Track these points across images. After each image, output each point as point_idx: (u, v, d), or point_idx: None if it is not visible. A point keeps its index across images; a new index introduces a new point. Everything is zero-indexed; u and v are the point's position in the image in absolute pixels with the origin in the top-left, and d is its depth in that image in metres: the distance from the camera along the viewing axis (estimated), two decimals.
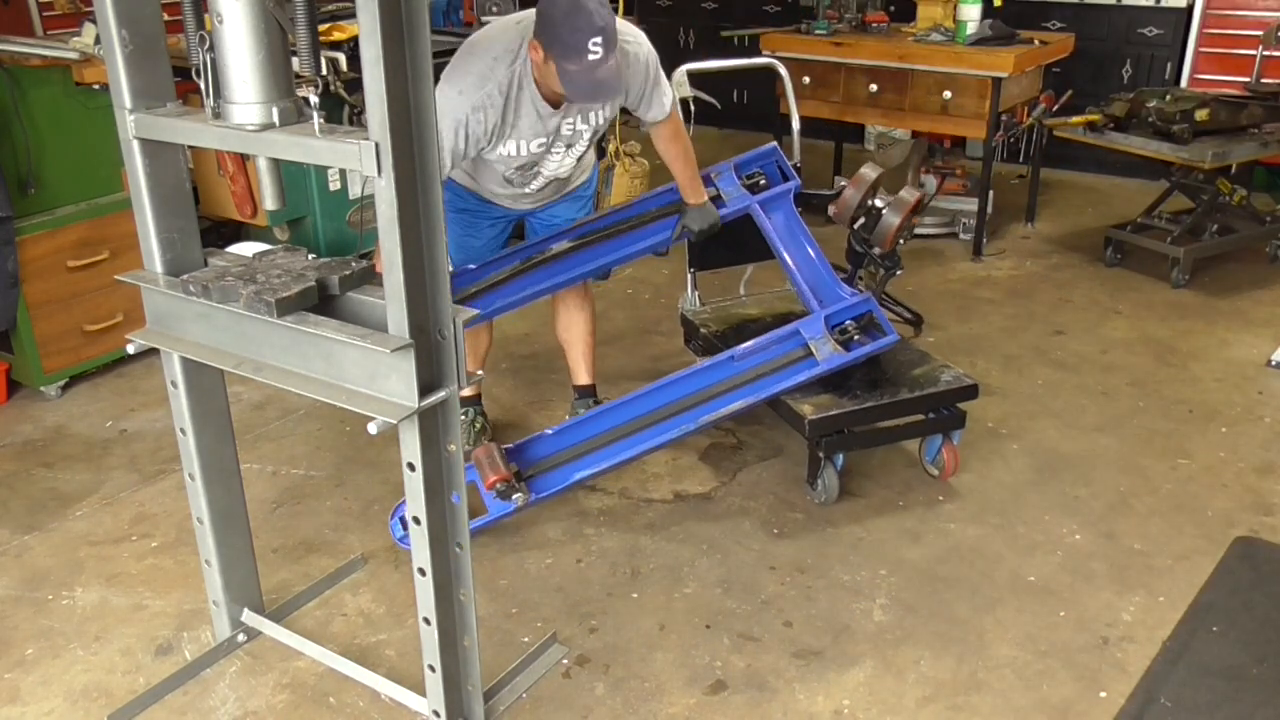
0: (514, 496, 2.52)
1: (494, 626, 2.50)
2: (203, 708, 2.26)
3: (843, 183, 3.33)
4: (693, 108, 3.54)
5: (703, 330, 3.33)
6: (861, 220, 3.11)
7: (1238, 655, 1.71)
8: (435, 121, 1.67)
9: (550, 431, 2.54)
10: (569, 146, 2.74)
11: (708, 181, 3.07)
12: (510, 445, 2.62)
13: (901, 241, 3.10)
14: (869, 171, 3.10)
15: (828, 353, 2.83)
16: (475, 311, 1.91)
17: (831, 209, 3.11)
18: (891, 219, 3.05)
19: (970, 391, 3.01)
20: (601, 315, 3.62)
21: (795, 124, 3.78)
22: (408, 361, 1.75)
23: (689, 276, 3.49)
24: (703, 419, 2.71)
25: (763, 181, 3.06)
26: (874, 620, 2.52)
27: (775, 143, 3.25)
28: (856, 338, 2.91)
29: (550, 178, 2.86)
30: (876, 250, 3.11)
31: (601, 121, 2.74)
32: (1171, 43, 5.76)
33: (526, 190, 2.88)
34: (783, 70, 3.68)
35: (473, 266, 2.88)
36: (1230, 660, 1.70)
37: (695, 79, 3.76)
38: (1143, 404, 3.55)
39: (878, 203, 3.11)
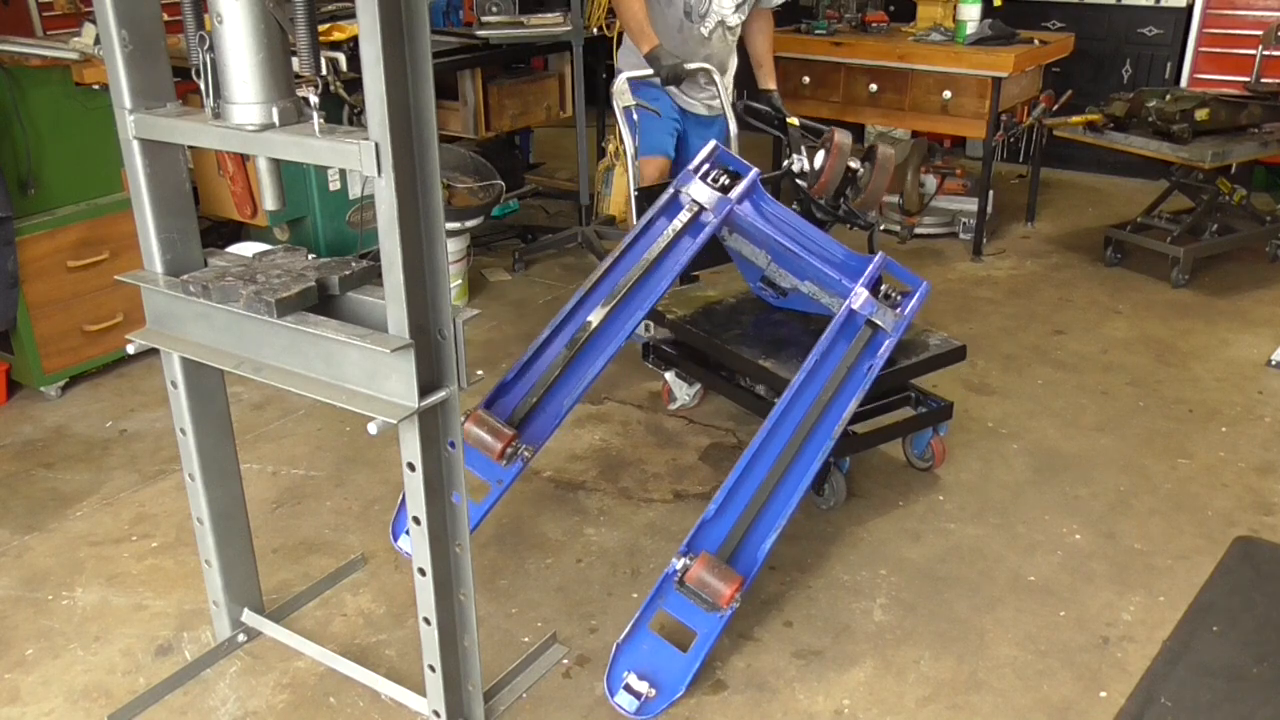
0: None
1: (494, 626, 2.50)
2: (203, 708, 2.26)
3: (788, 162, 3.28)
4: (635, 116, 3.56)
5: (669, 317, 3.26)
6: (838, 186, 3.08)
7: (1238, 655, 1.71)
8: None
9: (710, 515, 2.38)
10: None
11: (676, 201, 2.86)
12: (684, 546, 2.36)
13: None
14: (844, 138, 3.06)
15: (891, 320, 2.72)
16: (476, 312, 1.91)
17: (809, 185, 3.10)
18: (881, 180, 3.01)
19: (959, 353, 3.01)
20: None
21: (733, 128, 3.74)
22: (408, 361, 1.75)
23: None
24: (835, 433, 2.57)
25: (726, 180, 2.86)
26: (874, 620, 2.52)
27: (714, 141, 3.05)
28: (895, 295, 2.81)
29: (722, 16, 3.66)
30: (870, 213, 3.09)
31: None
32: (1171, 42, 5.76)
33: (702, 30, 3.65)
34: (717, 76, 3.73)
35: (510, 376, 2.67)
36: (1230, 660, 1.69)
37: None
38: (1143, 404, 3.55)
39: (852, 164, 3.06)
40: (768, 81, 3.87)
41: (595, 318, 2.68)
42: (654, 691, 2.25)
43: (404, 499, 2.57)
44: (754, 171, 2.87)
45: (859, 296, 2.70)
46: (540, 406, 2.65)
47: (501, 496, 2.68)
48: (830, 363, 2.65)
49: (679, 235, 2.78)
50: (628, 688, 2.25)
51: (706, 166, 2.87)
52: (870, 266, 2.77)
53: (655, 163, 3.78)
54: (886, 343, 2.71)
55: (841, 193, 3.13)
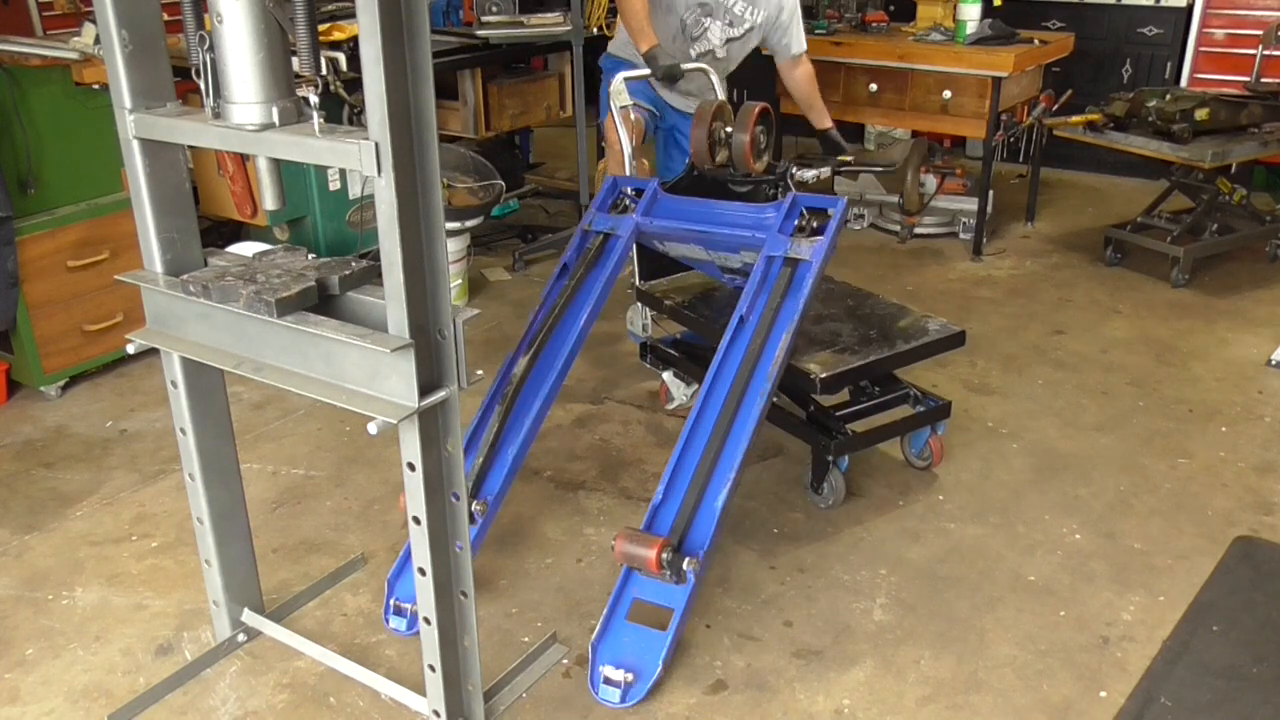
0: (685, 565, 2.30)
1: (494, 626, 2.50)
2: (203, 708, 2.26)
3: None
4: (633, 115, 3.56)
5: (667, 303, 3.26)
6: (725, 154, 3.05)
7: (1238, 655, 1.71)
8: None
9: (660, 496, 2.39)
10: (729, 25, 3.87)
11: (585, 239, 2.95)
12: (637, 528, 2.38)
13: (766, 158, 3.03)
14: (705, 106, 3.05)
15: (808, 249, 2.64)
16: (476, 311, 1.92)
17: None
18: (740, 136, 2.96)
19: (958, 339, 3.00)
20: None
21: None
22: (408, 361, 1.75)
23: (636, 297, 3.46)
24: (770, 374, 2.51)
25: (628, 203, 3.01)
26: (874, 620, 2.52)
27: (611, 175, 3.20)
28: (815, 223, 2.72)
29: (711, 47, 3.85)
30: (782, 165, 3.07)
31: (756, 20, 3.88)
32: (1171, 42, 5.76)
33: (691, 51, 3.82)
34: (714, 77, 3.73)
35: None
36: (1230, 660, 1.69)
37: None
38: (1143, 403, 3.55)
39: (729, 129, 3.03)
40: (822, 121, 4.13)
41: (519, 369, 2.68)
42: (632, 677, 2.26)
43: (394, 574, 2.56)
44: (652, 182, 3.00)
45: (768, 240, 2.68)
46: (489, 465, 2.60)
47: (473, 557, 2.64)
48: (756, 312, 2.62)
49: (588, 269, 2.86)
50: (607, 680, 2.27)
51: (609, 200, 3.00)
52: (778, 210, 2.73)
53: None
54: (811, 270, 2.63)
55: (721, 157, 3.07)
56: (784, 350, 2.54)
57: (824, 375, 2.76)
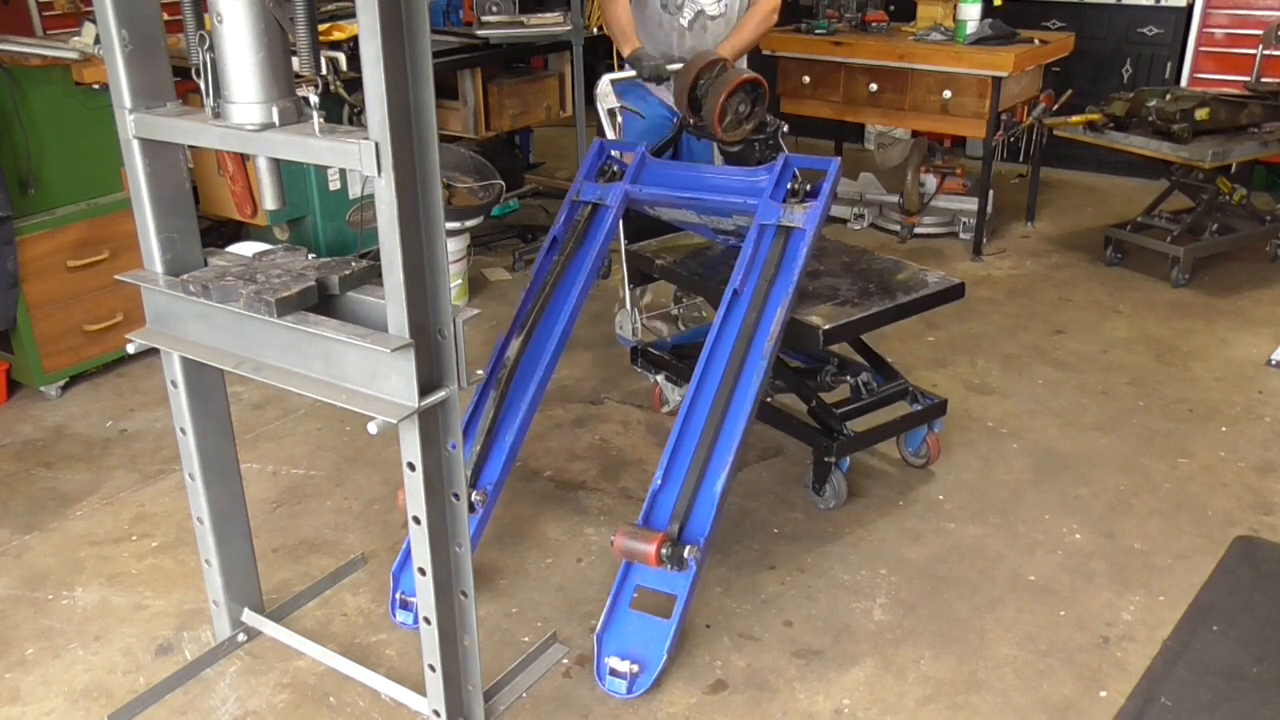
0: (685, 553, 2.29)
1: (494, 626, 2.50)
2: (203, 707, 2.26)
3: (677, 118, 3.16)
4: (619, 118, 3.55)
5: (659, 263, 3.21)
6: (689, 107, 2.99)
7: (1238, 655, 1.71)
8: None
9: (659, 483, 2.37)
10: None
11: (573, 210, 2.90)
12: (639, 521, 2.37)
13: (746, 127, 2.95)
14: (700, 57, 2.99)
15: (801, 216, 2.57)
16: (476, 311, 1.92)
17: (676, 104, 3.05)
18: (710, 102, 2.87)
19: (958, 290, 2.97)
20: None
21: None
22: (408, 361, 1.75)
23: (626, 290, 3.43)
24: (766, 350, 2.47)
25: (615, 169, 2.94)
26: (874, 620, 2.52)
27: (598, 138, 3.12)
28: (809, 187, 2.65)
29: (701, 7, 3.59)
30: (772, 123, 3.02)
31: None
32: (1171, 42, 5.76)
33: (681, 20, 3.60)
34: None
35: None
36: (1230, 660, 1.70)
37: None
38: (1143, 403, 3.55)
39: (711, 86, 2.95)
40: (723, 48, 3.54)
41: (512, 351, 2.65)
42: (637, 667, 2.26)
43: (398, 568, 2.57)
44: (640, 148, 2.93)
45: (760, 207, 2.61)
46: (486, 453, 2.58)
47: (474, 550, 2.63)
48: (750, 285, 2.56)
49: (577, 243, 2.79)
50: (612, 671, 2.27)
51: (596, 166, 2.93)
52: (770, 173, 2.66)
53: None
54: (805, 239, 2.56)
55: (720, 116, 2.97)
56: (779, 325, 2.49)
57: (827, 327, 2.70)
